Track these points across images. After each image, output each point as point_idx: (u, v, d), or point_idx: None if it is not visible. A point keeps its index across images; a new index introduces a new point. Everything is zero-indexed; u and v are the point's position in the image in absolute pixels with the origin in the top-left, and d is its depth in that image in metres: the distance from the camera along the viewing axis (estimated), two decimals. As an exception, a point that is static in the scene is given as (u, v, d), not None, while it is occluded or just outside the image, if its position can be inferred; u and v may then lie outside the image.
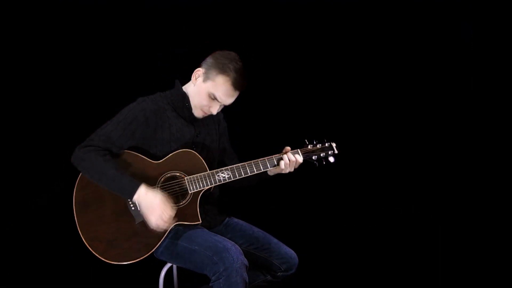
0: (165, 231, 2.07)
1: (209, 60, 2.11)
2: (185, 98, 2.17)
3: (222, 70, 2.06)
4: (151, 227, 2.03)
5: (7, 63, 2.93)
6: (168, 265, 2.26)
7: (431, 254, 3.08)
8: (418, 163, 3.21)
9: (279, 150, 2.20)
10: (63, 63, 3.00)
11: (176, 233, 2.11)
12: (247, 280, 1.97)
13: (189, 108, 2.18)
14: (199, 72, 2.13)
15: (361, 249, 3.17)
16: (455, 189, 3.17)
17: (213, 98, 2.10)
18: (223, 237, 2.08)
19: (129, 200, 2.07)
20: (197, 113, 2.17)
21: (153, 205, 2.01)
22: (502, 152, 3.09)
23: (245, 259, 1.99)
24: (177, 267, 2.43)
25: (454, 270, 2.95)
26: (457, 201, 3.17)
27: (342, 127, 3.16)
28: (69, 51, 2.99)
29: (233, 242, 2.04)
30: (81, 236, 2.06)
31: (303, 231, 3.19)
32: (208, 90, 2.09)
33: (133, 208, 2.07)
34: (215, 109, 2.14)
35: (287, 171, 2.18)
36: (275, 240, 2.24)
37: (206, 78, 2.10)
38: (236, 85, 2.07)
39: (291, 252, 2.23)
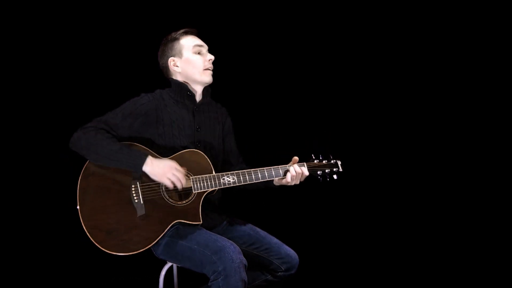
0: (164, 228, 2.06)
1: (165, 52, 2.27)
2: (182, 86, 2.23)
3: (178, 38, 2.25)
4: (170, 185, 2.05)
5: (8, 63, 2.94)
6: (168, 265, 2.25)
7: (431, 254, 3.07)
8: (418, 164, 3.21)
9: (286, 158, 2.20)
10: (67, 63, 3.01)
11: (176, 232, 2.11)
12: (246, 280, 1.95)
13: (191, 95, 2.23)
14: (172, 61, 2.25)
15: (361, 249, 3.16)
16: (455, 189, 3.16)
17: (198, 51, 2.24)
18: (223, 237, 2.07)
19: (132, 187, 2.07)
20: (206, 77, 2.25)
21: (164, 167, 2.04)
22: (502, 152, 3.08)
23: (244, 258, 1.98)
24: (177, 267, 2.43)
25: (454, 270, 2.93)
26: (457, 201, 3.16)
27: (342, 127, 3.17)
28: (72, 52, 3.01)
29: (232, 242, 2.03)
30: (82, 223, 2.05)
31: (304, 231, 3.18)
32: (190, 52, 2.23)
33: (136, 201, 2.07)
34: (208, 54, 2.26)
35: (293, 183, 2.18)
36: (276, 240, 2.24)
37: (179, 55, 2.25)
38: (191, 29, 2.28)
39: (291, 252, 2.22)
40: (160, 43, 2.29)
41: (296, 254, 2.22)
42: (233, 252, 1.95)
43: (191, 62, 2.22)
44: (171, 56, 2.25)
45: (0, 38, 2.90)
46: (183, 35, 2.25)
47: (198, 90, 2.27)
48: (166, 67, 2.27)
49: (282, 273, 2.20)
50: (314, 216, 3.26)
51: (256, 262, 2.20)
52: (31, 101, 2.99)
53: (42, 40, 2.97)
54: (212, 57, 2.26)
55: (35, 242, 3.02)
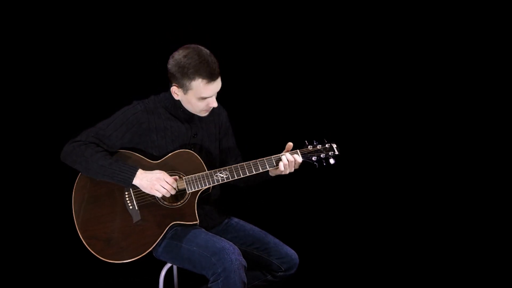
0: (162, 232, 2.07)
1: (174, 73, 2.04)
2: (176, 102, 2.15)
3: (192, 76, 2.01)
4: (160, 196, 2.05)
5: (7, 64, 2.93)
6: (168, 265, 2.26)
7: (431, 254, 3.07)
8: (418, 163, 3.19)
9: (281, 150, 2.16)
10: (63, 65, 3.00)
11: (175, 233, 2.11)
12: (245, 281, 1.96)
13: (184, 109, 2.16)
14: (175, 89, 2.09)
15: (361, 249, 3.15)
16: (454, 189, 3.15)
17: (203, 98, 2.08)
18: (222, 238, 2.07)
19: (126, 194, 2.08)
20: (201, 115, 2.16)
21: (152, 180, 2.03)
22: (502, 152, 3.07)
23: (244, 260, 1.98)
24: (177, 267, 2.43)
25: (454, 270, 2.93)
26: (457, 201, 3.15)
27: (343, 126, 3.15)
28: (67, 54, 2.99)
29: (232, 243, 2.03)
30: (79, 234, 2.07)
31: (304, 231, 3.18)
32: (194, 97, 2.07)
33: (130, 207, 2.08)
34: (213, 102, 2.10)
35: (287, 171, 2.14)
36: (276, 240, 2.23)
37: (184, 90, 2.07)
38: (211, 76, 2.02)
39: (291, 252, 2.21)
40: (178, 51, 2.04)
41: (296, 254, 2.22)
42: (233, 253, 1.95)
43: (191, 103, 2.09)
44: (175, 84, 2.06)
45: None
46: (199, 77, 2.00)
47: None
48: (169, 82, 2.12)
49: (282, 273, 2.20)
50: (314, 215, 3.25)
51: (256, 262, 2.19)
52: (29, 102, 2.99)
53: (40, 40, 2.96)
54: (216, 104, 2.11)
55: (34, 242, 3.03)
